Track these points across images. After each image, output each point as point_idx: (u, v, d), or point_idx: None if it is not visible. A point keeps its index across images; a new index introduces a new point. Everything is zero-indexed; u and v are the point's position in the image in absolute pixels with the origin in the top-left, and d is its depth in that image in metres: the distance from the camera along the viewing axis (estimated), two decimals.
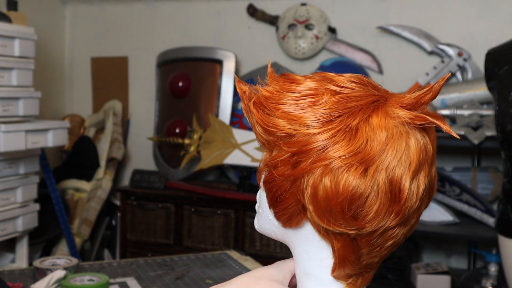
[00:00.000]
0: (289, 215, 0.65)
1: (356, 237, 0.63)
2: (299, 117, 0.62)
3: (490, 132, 2.34)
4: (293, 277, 0.72)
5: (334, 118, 0.61)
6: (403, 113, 0.61)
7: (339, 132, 0.60)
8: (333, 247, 0.64)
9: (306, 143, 0.61)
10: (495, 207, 2.56)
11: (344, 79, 0.64)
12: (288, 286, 0.72)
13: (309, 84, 0.64)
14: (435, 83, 0.61)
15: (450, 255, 2.77)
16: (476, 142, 2.35)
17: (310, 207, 0.62)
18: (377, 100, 0.62)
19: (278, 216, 0.66)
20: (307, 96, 0.63)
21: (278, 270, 0.71)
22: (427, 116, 0.60)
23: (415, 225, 0.66)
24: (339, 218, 0.61)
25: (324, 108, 0.61)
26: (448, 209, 2.51)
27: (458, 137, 0.59)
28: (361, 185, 0.59)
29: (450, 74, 0.66)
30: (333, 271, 0.66)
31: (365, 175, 0.59)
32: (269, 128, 0.63)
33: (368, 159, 0.59)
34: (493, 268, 2.41)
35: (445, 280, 2.42)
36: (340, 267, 0.65)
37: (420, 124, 0.60)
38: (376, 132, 0.60)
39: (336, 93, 0.62)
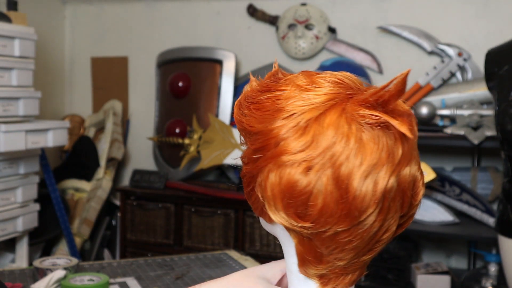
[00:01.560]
0: (260, 210, 0.66)
1: (310, 235, 0.61)
2: (264, 116, 0.62)
3: (490, 132, 2.34)
4: (284, 277, 0.72)
5: (290, 115, 0.60)
6: (360, 112, 0.59)
7: (290, 129, 0.60)
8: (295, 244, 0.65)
9: (263, 140, 0.61)
10: (495, 207, 2.56)
11: (321, 77, 0.63)
12: (280, 286, 0.72)
13: (285, 83, 0.64)
14: (394, 79, 0.58)
15: (450, 255, 2.77)
16: (476, 142, 2.35)
17: (265, 203, 0.63)
18: (335, 98, 0.61)
19: (253, 210, 0.68)
20: (278, 94, 0.63)
21: (269, 268, 0.71)
22: (381, 115, 0.57)
23: (387, 229, 0.61)
24: (284, 215, 0.61)
25: (286, 105, 0.61)
26: (448, 209, 2.51)
27: (411, 135, 0.58)
28: (303, 182, 0.58)
29: (409, 70, 0.60)
30: (299, 267, 0.66)
31: (308, 171, 0.58)
32: (239, 126, 0.65)
33: (313, 156, 0.58)
34: (493, 268, 2.41)
35: (445, 280, 2.42)
36: (302, 264, 0.65)
37: (377, 123, 0.58)
38: (324, 129, 0.58)
39: (302, 91, 0.62)
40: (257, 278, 0.69)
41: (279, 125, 0.60)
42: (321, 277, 0.65)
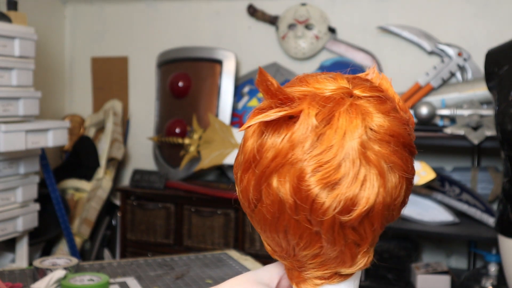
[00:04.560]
0: None
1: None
2: None
3: (490, 132, 2.34)
4: (283, 278, 0.72)
5: None
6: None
7: None
8: None
9: None
10: (495, 207, 2.56)
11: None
12: None
13: None
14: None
15: (450, 255, 2.77)
16: (476, 142, 2.35)
17: None
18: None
19: None
20: None
21: (267, 272, 0.71)
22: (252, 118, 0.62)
23: (286, 227, 0.62)
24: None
25: None
26: (448, 209, 2.51)
27: (239, 129, 0.63)
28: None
29: (260, 67, 0.62)
30: None
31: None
32: None
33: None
34: (493, 268, 2.41)
35: (445, 280, 2.42)
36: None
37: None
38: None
39: None
40: (255, 284, 0.69)
41: None
42: (286, 267, 0.69)
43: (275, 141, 0.60)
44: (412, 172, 0.64)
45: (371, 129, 0.60)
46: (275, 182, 0.60)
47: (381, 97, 0.63)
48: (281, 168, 0.60)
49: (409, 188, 0.65)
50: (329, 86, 0.63)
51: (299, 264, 0.65)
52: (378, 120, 0.61)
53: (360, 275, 0.70)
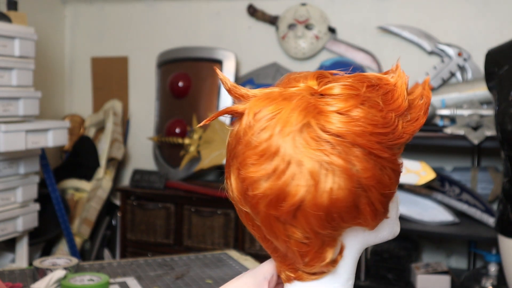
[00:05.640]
0: None
1: None
2: None
3: (490, 132, 2.34)
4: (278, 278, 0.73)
5: None
6: None
7: None
8: None
9: None
10: (495, 207, 2.56)
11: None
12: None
13: None
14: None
15: (450, 255, 2.77)
16: (476, 142, 2.35)
17: None
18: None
19: None
20: None
21: (252, 278, 0.71)
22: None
23: (246, 221, 0.67)
24: None
25: None
26: (448, 209, 2.51)
27: (201, 125, 0.67)
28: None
29: (215, 68, 0.68)
30: None
31: None
32: None
33: None
34: (493, 268, 2.41)
35: (445, 280, 2.42)
36: None
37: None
38: None
39: None
40: (262, 280, 0.71)
41: None
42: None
43: (231, 136, 0.66)
44: (368, 175, 0.59)
45: (312, 128, 0.59)
46: (231, 174, 0.65)
47: (351, 95, 0.61)
48: (232, 161, 0.64)
49: (368, 194, 0.60)
50: (298, 85, 0.64)
51: (271, 257, 0.69)
52: (327, 120, 0.60)
53: (347, 278, 0.67)
